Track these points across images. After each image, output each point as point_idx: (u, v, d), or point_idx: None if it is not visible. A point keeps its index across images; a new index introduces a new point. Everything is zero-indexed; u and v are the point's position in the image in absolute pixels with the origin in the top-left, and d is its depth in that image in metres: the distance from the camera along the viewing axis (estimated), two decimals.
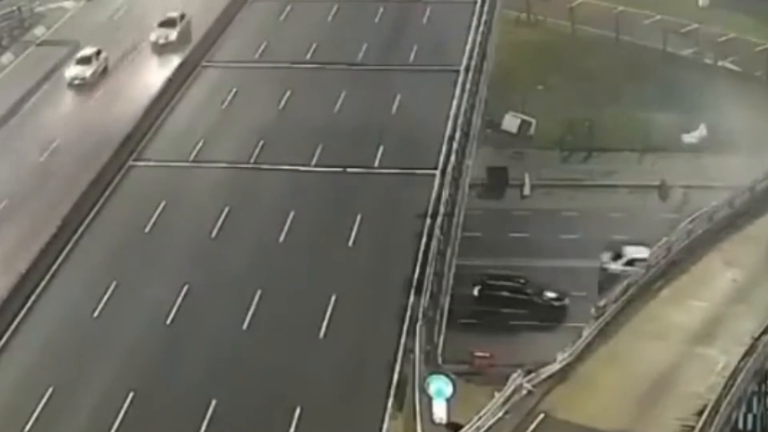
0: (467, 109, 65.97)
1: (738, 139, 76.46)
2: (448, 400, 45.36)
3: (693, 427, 47.38)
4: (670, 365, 50.90)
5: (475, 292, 62.62)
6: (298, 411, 44.52)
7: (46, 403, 45.26)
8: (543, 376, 50.10)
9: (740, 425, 51.99)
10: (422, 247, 54.04)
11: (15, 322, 50.34)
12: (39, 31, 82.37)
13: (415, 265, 52.89)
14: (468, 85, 68.35)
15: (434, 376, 45.67)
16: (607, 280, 60.31)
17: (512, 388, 48.37)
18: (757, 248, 58.83)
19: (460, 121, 64.40)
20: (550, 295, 62.08)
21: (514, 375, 48.83)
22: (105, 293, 51.43)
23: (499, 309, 61.35)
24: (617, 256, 63.69)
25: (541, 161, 77.64)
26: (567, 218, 70.57)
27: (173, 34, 76.58)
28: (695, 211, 61.60)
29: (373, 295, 51.40)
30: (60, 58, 75.24)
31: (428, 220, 55.92)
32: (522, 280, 63.04)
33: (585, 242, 67.14)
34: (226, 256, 54.26)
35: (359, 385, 46.40)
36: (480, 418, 46.37)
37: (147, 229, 56.34)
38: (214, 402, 45.00)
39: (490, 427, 46.56)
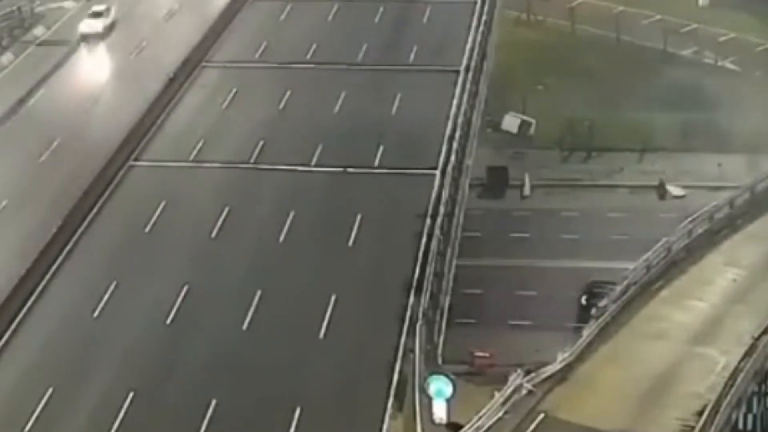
0: (467, 109, 65.97)
1: (738, 139, 76.57)
2: (448, 400, 45.32)
3: (693, 427, 47.28)
4: (670, 365, 50.83)
5: (583, 300, 62.25)
6: (298, 411, 44.48)
7: (46, 403, 45.19)
8: (543, 376, 50.05)
9: (740, 425, 51.95)
10: (422, 247, 54.02)
11: (15, 322, 50.30)
12: (39, 31, 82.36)
13: (415, 265, 52.85)
14: (468, 85, 68.35)
15: (434, 376, 45.62)
16: None
17: (512, 388, 48.28)
18: (757, 248, 58.78)
19: (460, 120, 64.39)
20: None
21: (514, 375, 48.72)
22: (105, 293, 51.37)
23: None
24: None
25: (541, 161, 77.66)
26: (567, 218, 70.58)
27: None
28: (695, 211, 61.56)
29: (373, 295, 51.38)
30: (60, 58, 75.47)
31: (428, 220, 55.89)
32: None
33: (585, 242, 67.20)
34: (226, 256, 54.25)
35: (359, 385, 46.37)
36: (480, 418, 46.33)
37: (147, 229, 56.31)
38: (214, 402, 44.96)
39: (490, 427, 46.51)
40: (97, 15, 79.94)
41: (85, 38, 78.72)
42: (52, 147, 63.92)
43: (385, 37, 76.16)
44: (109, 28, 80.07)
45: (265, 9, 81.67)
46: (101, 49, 76.93)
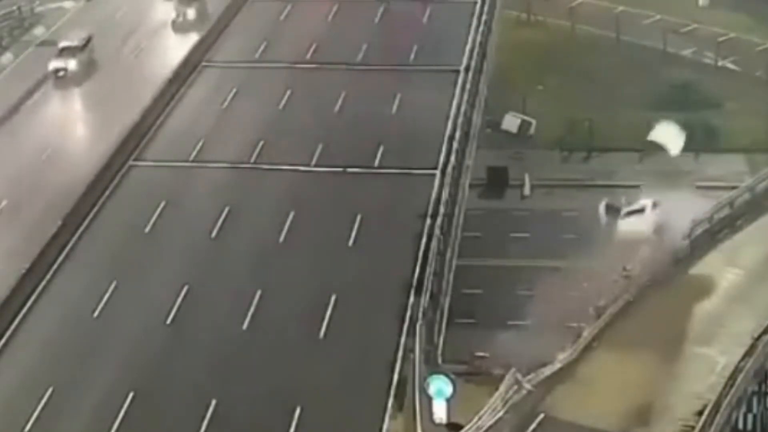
0: (467, 109, 65.99)
1: (738, 139, 76.58)
2: (448, 400, 45.32)
3: (693, 427, 47.32)
4: (670, 365, 50.87)
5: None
6: (298, 411, 44.50)
7: (46, 403, 45.20)
8: (543, 376, 50.00)
9: (740, 425, 51.97)
10: (422, 247, 54.02)
11: (15, 322, 50.30)
12: (39, 31, 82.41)
13: (415, 265, 52.87)
14: (468, 85, 68.35)
15: (434, 376, 45.63)
16: None
17: (508, 385, 48.12)
18: (757, 248, 58.81)
19: (460, 120, 64.41)
20: None
21: (510, 372, 48.52)
22: (105, 293, 51.37)
23: None
24: None
25: (541, 161, 77.62)
26: (567, 218, 70.53)
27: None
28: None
29: (373, 295, 51.37)
30: None
31: (428, 220, 55.90)
32: None
33: (585, 242, 67.05)
34: (226, 256, 54.25)
35: (359, 385, 46.35)
36: (480, 417, 46.29)
37: (147, 230, 56.31)
38: (214, 402, 44.98)
39: (490, 427, 46.50)
40: (69, 51, 72.22)
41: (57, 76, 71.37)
42: (52, 147, 63.93)
43: (385, 37, 76.16)
44: (87, 65, 72.66)
45: (265, 9, 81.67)
46: (101, 49, 76.77)
